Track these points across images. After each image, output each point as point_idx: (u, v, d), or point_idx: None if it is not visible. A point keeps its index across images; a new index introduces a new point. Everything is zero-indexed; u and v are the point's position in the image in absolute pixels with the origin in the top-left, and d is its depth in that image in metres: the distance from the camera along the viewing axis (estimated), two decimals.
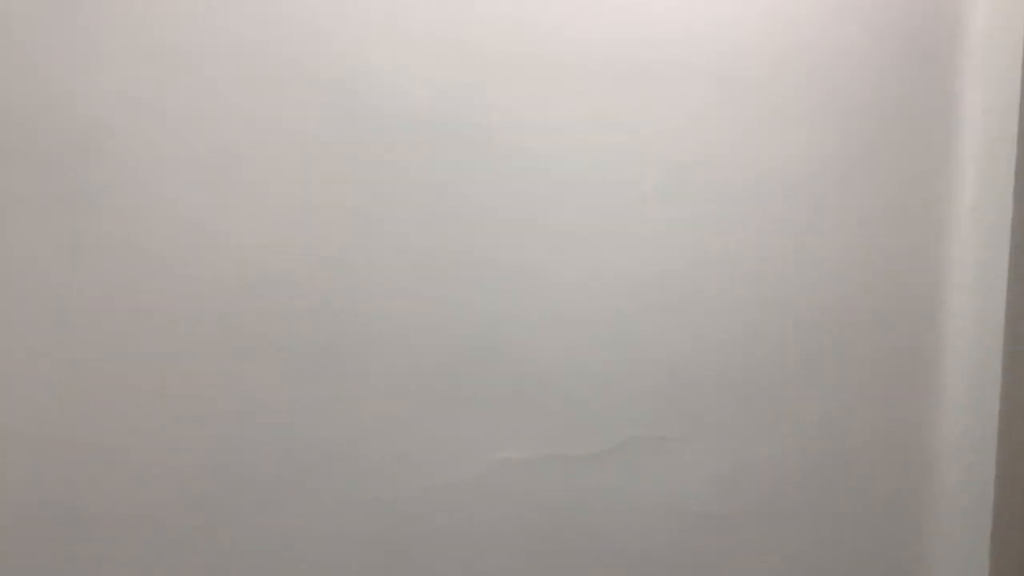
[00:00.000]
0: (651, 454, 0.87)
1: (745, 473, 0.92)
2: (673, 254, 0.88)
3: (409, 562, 0.81)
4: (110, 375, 0.74)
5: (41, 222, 0.72)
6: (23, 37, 0.70)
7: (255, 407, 0.78)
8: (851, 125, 0.98)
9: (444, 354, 0.81)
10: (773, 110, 0.92)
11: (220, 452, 0.77)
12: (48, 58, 0.71)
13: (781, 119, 0.93)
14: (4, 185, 0.71)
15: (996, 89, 1.06)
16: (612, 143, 0.85)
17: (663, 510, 0.88)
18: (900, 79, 1.01)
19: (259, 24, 0.75)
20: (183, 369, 0.76)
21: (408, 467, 0.81)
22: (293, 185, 0.77)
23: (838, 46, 0.95)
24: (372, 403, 0.80)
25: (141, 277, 0.74)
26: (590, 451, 0.84)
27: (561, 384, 0.84)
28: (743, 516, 0.92)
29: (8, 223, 0.71)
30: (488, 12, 0.80)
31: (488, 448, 0.82)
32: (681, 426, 0.88)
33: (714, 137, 0.90)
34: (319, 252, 0.78)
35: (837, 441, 0.98)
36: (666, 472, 0.87)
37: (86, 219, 0.73)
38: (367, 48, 0.77)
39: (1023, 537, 1.27)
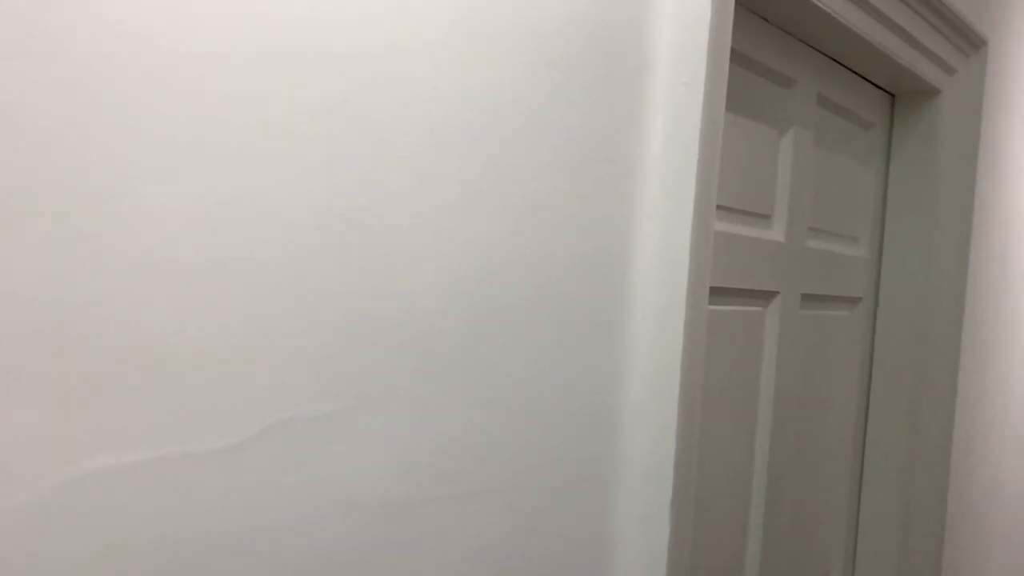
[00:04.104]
0: (309, 438, 0.66)
1: (429, 450, 0.76)
2: (331, 189, 0.68)
3: None
4: None
5: None
6: None
7: None
8: (540, 67, 0.85)
9: None
10: (456, 40, 0.76)
11: None
12: None
13: (467, 50, 0.77)
14: None
15: (685, 35, 1.03)
16: (266, 64, 0.63)
17: (328, 505, 0.68)
18: (588, 26, 0.90)
19: None
20: None
21: None
22: None
23: None
24: None
25: None
26: (224, 444, 0.61)
27: (178, 359, 0.59)
28: (428, 501, 0.76)
29: None
30: None
31: (68, 455, 0.56)
32: (348, 400, 0.68)
33: (384, 63, 0.71)
34: None
35: (534, 406, 0.87)
36: (329, 458, 0.67)
37: None
38: None
39: (696, 501, 1.32)
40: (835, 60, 1.57)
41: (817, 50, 1.51)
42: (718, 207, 1.31)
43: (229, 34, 0.60)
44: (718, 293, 1.33)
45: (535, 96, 0.85)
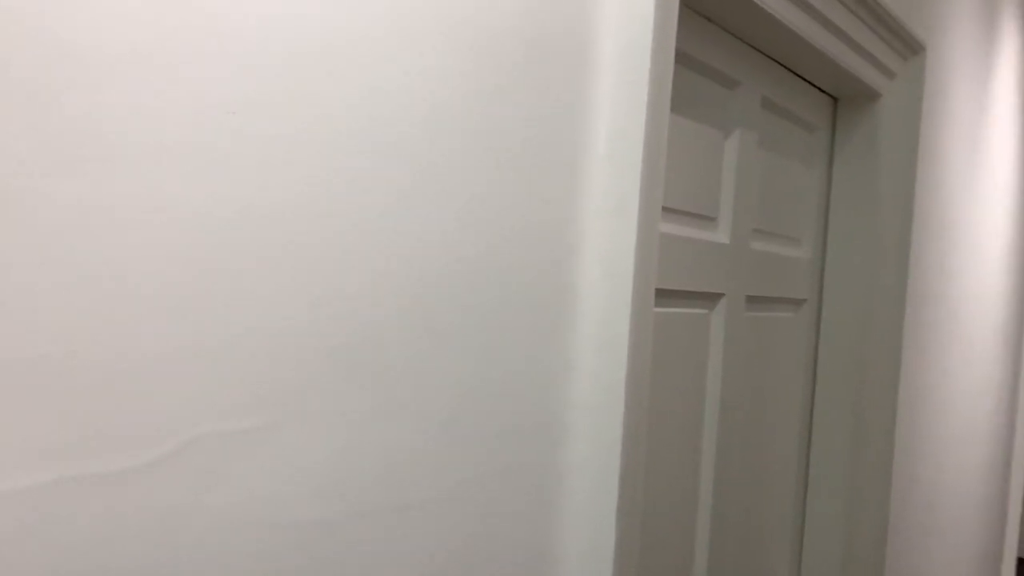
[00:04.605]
0: (232, 453, 0.62)
1: (364, 463, 0.72)
2: (256, 188, 0.64)
3: None
4: None
5: None
6: None
7: None
8: (482, 65, 0.83)
9: None
10: (396, 37, 0.73)
11: None
12: None
13: (407, 48, 0.74)
14: None
15: (630, 34, 1.01)
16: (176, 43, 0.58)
17: (253, 524, 0.64)
18: (532, 24, 0.88)
19: None
20: None
21: None
22: None
23: None
24: None
25: None
26: (135, 462, 0.57)
27: (82, 368, 0.55)
28: (363, 517, 0.72)
29: None
30: None
31: None
32: (275, 412, 0.64)
33: (319, 59, 0.67)
34: None
35: (475, 414, 0.83)
36: (255, 474, 0.63)
37: None
38: None
39: (643, 508, 1.31)
40: (779, 63, 1.57)
41: (761, 52, 1.51)
42: (664, 208, 1.29)
43: (147, 23, 0.55)
44: (664, 295, 1.31)
45: (477, 95, 0.82)
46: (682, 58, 1.31)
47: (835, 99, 1.83)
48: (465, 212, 0.81)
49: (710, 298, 1.44)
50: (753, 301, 1.59)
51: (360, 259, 0.70)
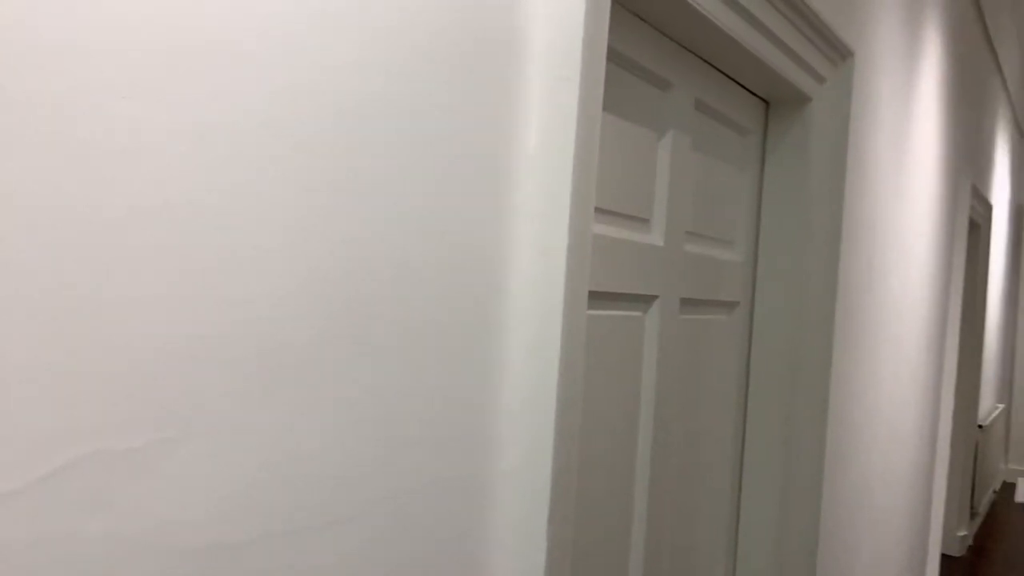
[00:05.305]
0: (119, 474, 0.56)
1: (272, 481, 0.67)
2: (145, 181, 0.58)
3: None
4: None
5: None
6: None
7: None
8: (407, 56, 0.79)
9: None
10: (314, 24, 0.68)
11: None
12: None
13: (326, 37, 0.69)
14: None
15: (560, 29, 0.98)
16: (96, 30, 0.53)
17: (145, 552, 0.58)
18: (459, 16, 0.84)
19: None
20: None
21: None
22: None
23: None
24: None
25: None
26: (5, 487, 0.51)
27: None
28: (271, 538, 0.67)
29: None
30: None
31: None
32: (169, 428, 0.59)
33: (228, 43, 0.62)
34: None
35: (397, 424, 0.79)
36: (146, 497, 0.57)
37: None
38: None
39: (575, 512, 1.28)
40: (712, 66, 1.57)
41: (695, 54, 1.50)
42: (597, 209, 1.27)
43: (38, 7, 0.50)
44: (597, 297, 1.29)
45: (401, 87, 0.78)
46: (616, 57, 1.29)
47: (767, 103, 1.84)
48: (386, 210, 0.77)
49: (644, 300, 1.43)
50: (687, 303, 1.58)
51: (267, 259, 0.66)
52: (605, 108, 1.26)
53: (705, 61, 1.54)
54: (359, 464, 0.76)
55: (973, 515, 4.98)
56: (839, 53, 1.82)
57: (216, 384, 0.61)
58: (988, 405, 5.74)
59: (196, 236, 0.60)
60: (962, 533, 4.59)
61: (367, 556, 0.77)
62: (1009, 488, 6.65)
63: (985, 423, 5.10)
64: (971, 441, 4.58)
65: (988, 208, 4.74)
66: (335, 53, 0.70)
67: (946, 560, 4.58)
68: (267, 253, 0.65)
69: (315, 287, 0.69)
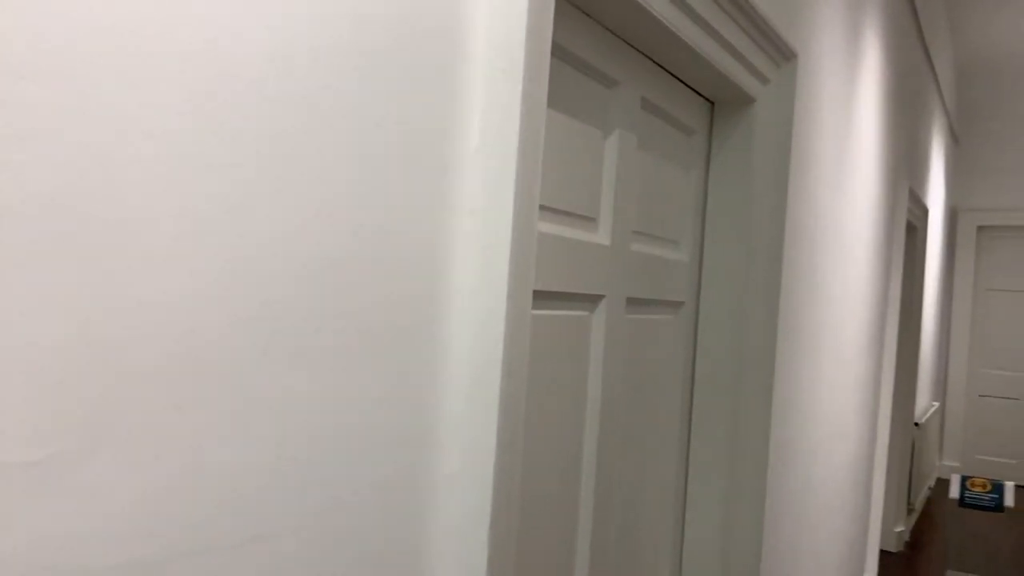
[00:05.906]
0: (18, 491, 0.51)
1: (191, 495, 0.63)
2: (39, 169, 0.54)
3: None
4: None
5: None
6: None
7: None
8: (341, 44, 0.75)
9: None
10: (238, 7, 0.64)
11: None
12: None
13: (251, 23, 0.66)
14: None
15: (504, 21, 0.96)
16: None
17: (33, 572, 0.54)
18: (398, 6, 0.81)
19: None
20: None
21: None
22: None
23: None
24: None
25: None
26: None
27: None
28: (191, 556, 0.63)
29: None
30: None
31: None
32: (72, 440, 0.54)
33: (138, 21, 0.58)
34: None
35: (331, 431, 0.76)
36: (47, 515, 0.53)
37: None
38: None
39: (519, 516, 1.26)
40: (658, 64, 1.56)
41: (641, 52, 1.49)
42: (542, 208, 1.25)
43: None
44: (543, 297, 1.27)
45: (334, 77, 0.74)
46: (561, 53, 1.27)
47: (712, 103, 1.84)
48: (320, 207, 0.73)
49: (590, 300, 1.41)
50: (633, 303, 1.57)
51: (184, 258, 0.62)
52: (551, 104, 1.24)
53: (651, 60, 1.53)
54: (293, 474, 0.72)
55: (910, 511, 5.11)
56: (783, 55, 1.83)
57: (123, 392, 0.57)
58: (924, 403, 5.89)
59: (93, 232, 0.56)
60: (899, 529, 4.70)
61: (301, 568, 0.73)
62: (943, 484, 6.85)
63: (921, 421, 5.23)
64: (908, 439, 4.69)
65: (924, 211, 4.86)
66: (253, 36, 0.67)
67: (884, 555, 4.69)
68: (174, 250, 0.61)
69: (230, 287, 0.66)
